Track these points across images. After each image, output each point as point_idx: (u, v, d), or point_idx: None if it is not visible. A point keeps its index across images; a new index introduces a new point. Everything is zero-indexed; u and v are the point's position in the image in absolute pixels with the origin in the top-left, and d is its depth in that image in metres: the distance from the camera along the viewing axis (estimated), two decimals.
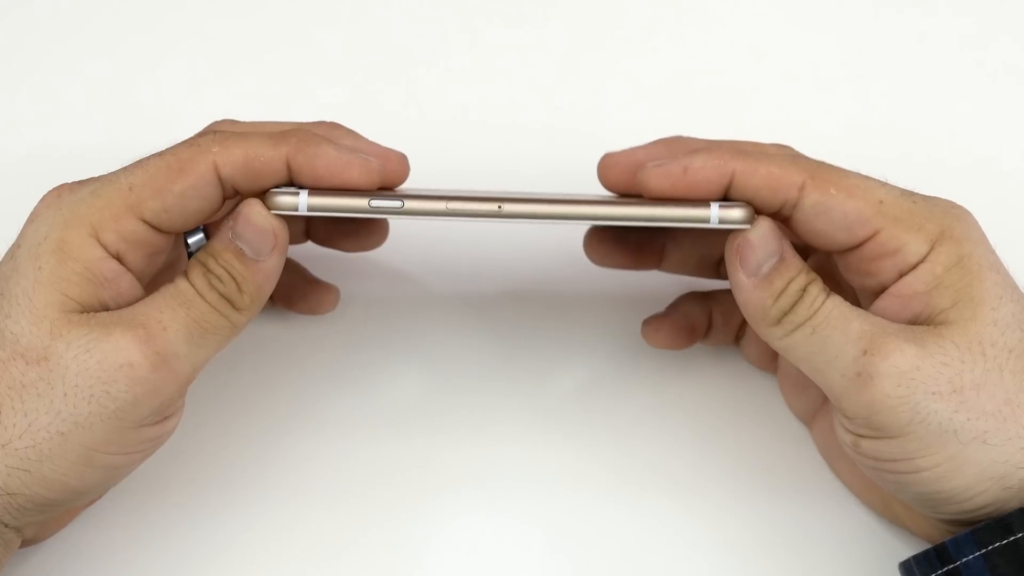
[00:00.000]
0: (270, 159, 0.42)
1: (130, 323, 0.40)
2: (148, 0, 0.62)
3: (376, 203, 0.42)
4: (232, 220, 0.41)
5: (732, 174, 0.42)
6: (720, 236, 0.43)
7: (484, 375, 0.51)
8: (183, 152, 0.42)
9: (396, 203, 0.42)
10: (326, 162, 0.42)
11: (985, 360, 0.41)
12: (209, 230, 0.46)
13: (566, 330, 0.53)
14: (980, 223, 0.43)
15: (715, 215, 0.41)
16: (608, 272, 0.51)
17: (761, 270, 0.41)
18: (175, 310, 0.41)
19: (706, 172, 0.42)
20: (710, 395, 0.51)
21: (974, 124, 0.59)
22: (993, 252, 0.43)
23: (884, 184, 0.43)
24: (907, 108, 0.60)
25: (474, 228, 0.54)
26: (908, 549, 0.46)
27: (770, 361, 0.51)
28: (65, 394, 0.40)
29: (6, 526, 0.42)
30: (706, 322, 0.50)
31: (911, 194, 0.43)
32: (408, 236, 0.54)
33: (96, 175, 0.43)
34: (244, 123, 0.45)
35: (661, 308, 0.51)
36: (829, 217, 0.42)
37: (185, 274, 0.42)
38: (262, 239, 0.41)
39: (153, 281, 0.45)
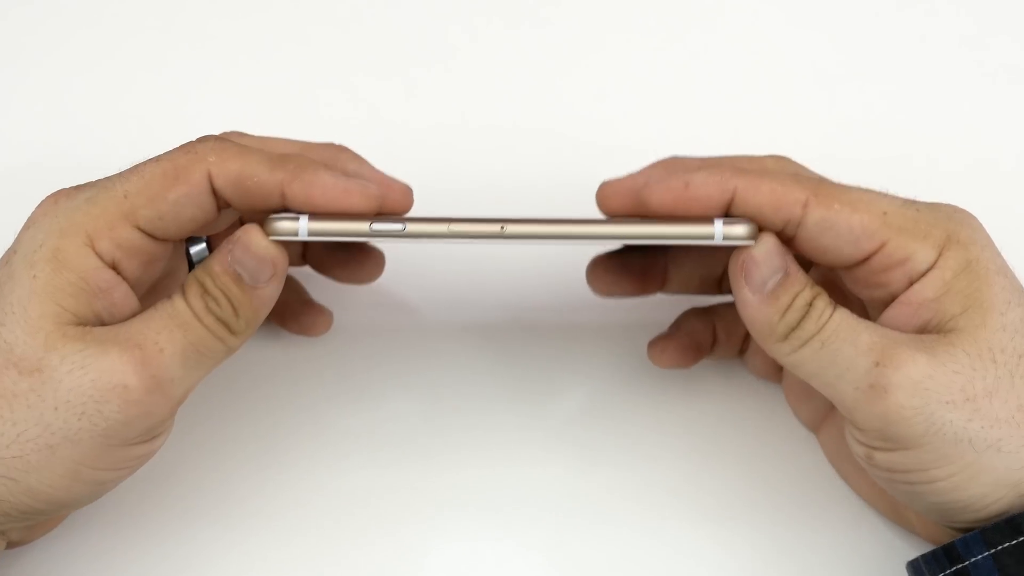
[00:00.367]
0: (264, 182, 0.41)
1: (127, 343, 0.40)
2: (147, 3, 0.62)
3: (377, 226, 0.41)
4: (231, 244, 0.41)
5: (734, 191, 0.41)
6: (722, 253, 0.43)
7: (485, 396, 0.51)
8: (179, 158, 0.42)
9: (398, 226, 0.41)
10: (322, 190, 0.41)
11: (996, 367, 0.40)
12: (213, 241, 0.46)
13: (567, 351, 0.52)
14: (983, 225, 0.43)
15: (719, 231, 0.41)
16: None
17: (766, 286, 0.41)
18: (172, 332, 0.40)
19: (708, 188, 0.41)
20: (713, 403, 0.51)
21: (974, 124, 0.59)
22: (999, 255, 0.43)
23: (885, 195, 0.42)
24: (907, 108, 0.60)
25: (474, 253, 0.54)
26: (915, 549, 0.46)
27: (775, 372, 0.51)
28: (56, 408, 0.40)
29: None
30: (711, 337, 0.50)
31: (913, 202, 0.43)
32: (406, 262, 0.53)
33: (94, 180, 0.43)
34: (252, 137, 0.45)
35: (662, 327, 0.50)
36: (836, 233, 0.42)
37: (183, 293, 0.41)
38: (260, 267, 0.41)
39: (151, 290, 0.45)
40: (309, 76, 0.60)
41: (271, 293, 0.42)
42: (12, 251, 0.42)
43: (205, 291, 0.41)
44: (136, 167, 0.42)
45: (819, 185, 0.42)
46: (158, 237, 0.42)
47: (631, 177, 0.44)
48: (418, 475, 0.49)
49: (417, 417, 0.51)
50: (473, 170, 0.58)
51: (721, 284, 0.50)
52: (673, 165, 0.45)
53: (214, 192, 0.42)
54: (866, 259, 0.42)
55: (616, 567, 0.48)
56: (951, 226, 0.42)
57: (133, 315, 0.42)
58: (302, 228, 0.41)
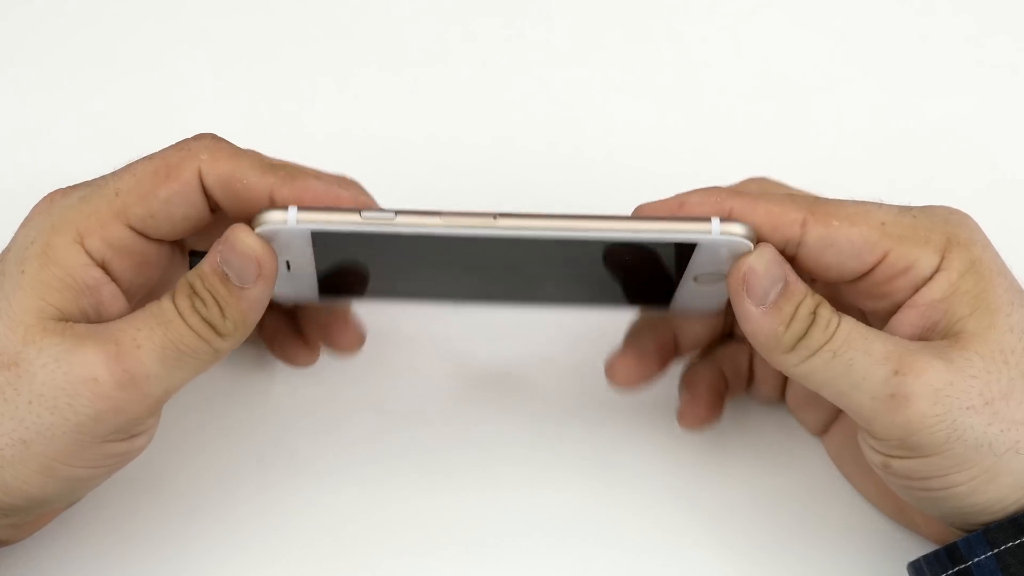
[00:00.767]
0: (253, 185, 0.41)
1: (104, 338, 0.40)
2: (146, 4, 0.62)
3: (368, 215, 0.40)
4: (219, 244, 0.40)
5: (729, 212, 0.42)
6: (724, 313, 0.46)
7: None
8: (171, 156, 0.42)
9: (388, 215, 0.40)
10: (313, 196, 0.41)
11: (1008, 368, 0.40)
12: None
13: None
14: (980, 224, 0.43)
15: (716, 227, 0.41)
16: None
17: (768, 298, 0.41)
18: (152, 329, 0.40)
19: (704, 207, 0.42)
20: None
21: (974, 124, 0.59)
22: (998, 255, 0.43)
23: (880, 205, 0.42)
24: (907, 108, 0.59)
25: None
26: (917, 550, 0.46)
27: (782, 394, 0.50)
28: (30, 402, 0.39)
29: None
30: (724, 384, 0.48)
31: (909, 209, 0.43)
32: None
33: (90, 179, 0.43)
34: (242, 149, 0.44)
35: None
36: (837, 249, 0.42)
37: (172, 294, 0.41)
38: (246, 266, 0.40)
39: (148, 296, 0.44)
40: (305, 79, 0.60)
41: (258, 295, 0.41)
42: (6, 250, 0.42)
43: (193, 292, 0.40)
44: (129, 165, 0.42)
45: (814, 203, 0.42)
46: (151, 237, 0.42)
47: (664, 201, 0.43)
48: (417, 505, 0.49)
49: (405, 448, 0.50)
50: (471, 174, 0.57)
51: (723, 329, 0.49)
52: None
53: (205, 191, 0.42)
54: (869, 271, 0.42)
55: (615, 563, 0.48)
56: (949, 229, 0.42)
57: (121, 316, 0.42)
58: (291, 218, 0.40)
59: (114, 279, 0.42)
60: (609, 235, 0.41)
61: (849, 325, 0.41)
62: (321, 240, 0.41)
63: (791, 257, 0.42)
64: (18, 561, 0.47)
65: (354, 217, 0.40)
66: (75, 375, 0.39)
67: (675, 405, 0.49)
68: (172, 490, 0.49)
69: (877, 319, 0.43)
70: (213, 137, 0.43)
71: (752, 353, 0.49)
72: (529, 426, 0.50)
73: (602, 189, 0.56)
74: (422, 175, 0.57)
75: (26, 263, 0.41)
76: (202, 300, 0.40)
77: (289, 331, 0.49)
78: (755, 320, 0.41)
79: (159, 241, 0.43)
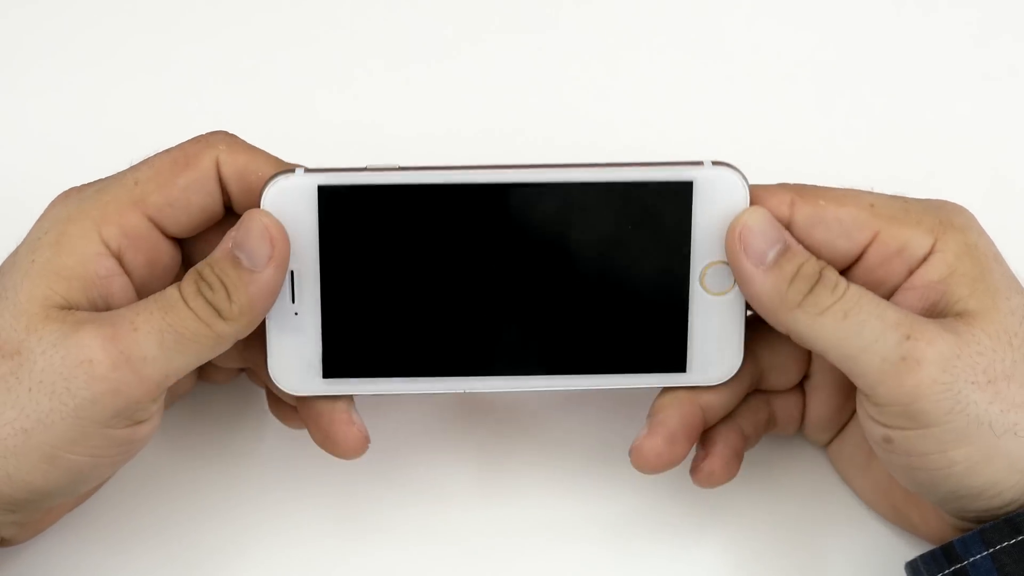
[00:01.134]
0: (267, 176, 0.42)
1: (101, 321, 0.40)
2: (150, 4, 0.62)
3: (373, 165, 0.42)
4: (234, 229, 0.41)
5: None
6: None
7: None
8: (189, 147, 0.43)
9: (392, 167, 0.42)
10: None
11: (1012, 350, 0.41)
12: None
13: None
14: (974, 216, 0.44)
15: (708, 164, 0.42)
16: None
17: (767, 258, 0.41)
18: (152, 312, 0.40)
19: None
20: None
21: (974, 124, 0.59)
22: (993, 244, 0.43)
23: (871, 192, 0.43)
24: (907, 108, 0.59)
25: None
26: (914, 550, 0.46)
27: (825, 433, 0.48)
28: (30, 389, 0.40)
29: None
30: (743, 441, 0.46)
31: (901, 197, 0.43)
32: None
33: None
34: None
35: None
36: (825, 226, 0.42)
37: (179, 282, 0.41)
38: (260, 245, 0.40)
39: None
40: (309, 77, 0.60)
41: (268, 279, 0.41)
42: (21, 242, 0.42)
43: (200, 278, 0.40)
44: (147, 159, 0.43)
45: (802, 186, 0.43)
46: (167, 229, 0.42)
47: None
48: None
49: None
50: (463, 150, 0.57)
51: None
52: None
53: (221, 181, 0.42)
54: (862, 255, 0.42)
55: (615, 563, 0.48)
56: (943, 214, 0.43)
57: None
58: (299, 171, 0.42)
59: (127, 272, 0.42)
60: (607, 177, 0.43)
61: (860, 290, 0.41)
62: (329, 228, 0.42)
63: None
64: (19, 562, 0.47)
65: (360, 172, 0.42)
66: (71, 358, 0.39)
67: None
68: (173, 492, 0.49)
69: None
70: (228, 133, 0.43)
71: (805, 400, 0.48)
72: (528, 429, 0.51)
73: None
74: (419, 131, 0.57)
75: (38, 252, 0.41)
76: (208, 284, 0.40)
77: (297, 418, 0.46)
78: (757, 281, 0.41)
79: (173, 241, 0.43)
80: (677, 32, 0.62)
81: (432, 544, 0.48)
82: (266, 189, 0.42)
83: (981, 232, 0.43)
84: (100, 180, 0.43)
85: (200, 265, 0.41)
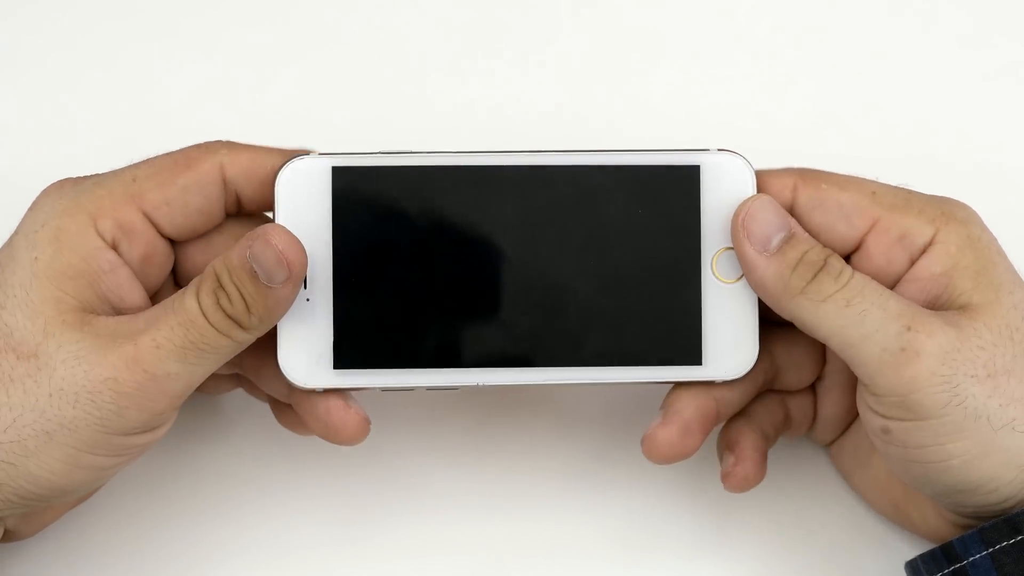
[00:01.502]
0: (276, 168, 0.43)
1: (122, 337, 0.40)
2: (153, 7, 0.62)
3: (387, 150, 0.43)
4: (251, 239, 0.40)
5: None
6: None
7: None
8: (191, 151, 0.43)
9: (406, 151, 0.43)
10: None
11: (1013, 345, 0.41)
12: None
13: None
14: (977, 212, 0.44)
15: (714, 148, 0.43)
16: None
17: (772, 244, 0.41)
18: (173, 329, 0.40)
19: None
20: None
21: (974, 124, 0.59)
22: (996, 240, 0.43)
23: (875, 181, 0.43)
24: (907, 108, 0.59)
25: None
26: (914, 550, 0.46)
27: (831, 433, 0.48)
28: (51, 395, 0.40)
29: None
30: (767, 443, 0.46)
31: (903, 188, 0.43)
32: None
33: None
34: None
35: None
36: (825, 209, 0.43)
37: (197, 288, 0.41)
38: (276, 267, 0.40)
39: (158, 295, 0.44)
40: (315, 86, 0.60)
41: (286, 295, 0.41)
42: (14, 233, 0.42)
43: (220, 286, 0.40)
44: (148, 159, 0.43)
45: (805, 170, 0.43)
46: (163, 228, 0.42)
47: None
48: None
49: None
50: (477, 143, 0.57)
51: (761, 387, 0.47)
52: None
53: (224, 184, 0.42)
54: (862, 242, 0.43)
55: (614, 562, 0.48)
56: (945, 206, 0.43)
57: (140, 299, 0.42)
58: (313, 154, 0.42)
59: (125, 263, 0.42)
60: (616, 161, 0.43)
61: (864, 279, 0.41)
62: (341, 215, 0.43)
63: None
64: (19, 562, 0.47)
65: (374, 155, 0.43)
66: (95, 375, 0.40)
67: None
68: (173, 490, 0.49)
69: None
70: (228, 140, 0.43)
71: (816, 400, 0.47)
72: (525, 432, 0.51)
73: None
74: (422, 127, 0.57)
75: (38, 248, 0.41)
76: (228, 295, 0.40)
77: (296, 418, 0.45)
78: (761, 267, 0.42)
79: (168, 241, 0.43)
80: (677, 28, 0.62)
81: (433, 548, 0.48)
82: (281, 172, 0.42)
83: (983, 226, 0.43)
84: (97, 174, 0.43)
85: (219, 268, 0.40)
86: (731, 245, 0.43)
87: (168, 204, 0.42)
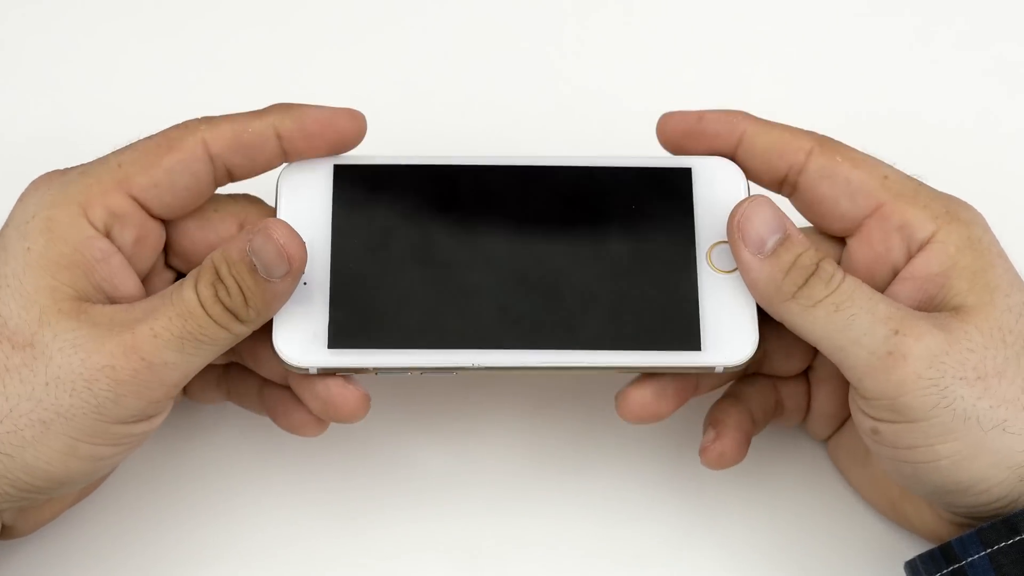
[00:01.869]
0: (258, 130, 0.43)
1: (119, 326, 0.40)
2: (153, 7, 0.62)
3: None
4: (251, 233, 0.41)
5: (743, 133, 0.44)
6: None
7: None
8: (172, 132, 0.43)
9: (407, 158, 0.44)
10: (314, 118, 0.43)
11: (1005, 347, 0.41)
12: None
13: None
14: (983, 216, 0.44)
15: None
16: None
17: (766, 246, 0.41)
18: (171, 319, 0.40)
19: (719, 124, 0.44)
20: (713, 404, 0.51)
21: (975, 124, 0.59)
22: (998, 242, 0.43)
23: (890, 165, 0.44)
24: (907, 107, 0.59)
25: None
26: (913, 550, 0.46)
27: (827, 427, 0.48)
28: (47, 383, 0.40)
29: None
30: (752, 424, 0.46)
31: (916, 179, 0.44)
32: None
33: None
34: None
35: None
36: (833, 182, 0.43)
37: (195, 279, 0.41)
38: (276, 262, 0.40)
39: (150, 276, 0.44)
40: (301, 70, 0.60)
41: (284, 289, 0.41)
42: (4, 225, 0.42)
43: (218, 278, 0.40)
44: (131, 144, 0.43)
45: (826, 139, 0.44)
46: (152, 210, 0.43)
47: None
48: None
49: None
50: (472, 125, 0.58)
51: (747, 369, 0.47)
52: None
53: (211, 160, 0.43)
54: (862, 224, 0.43)
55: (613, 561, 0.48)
56: (951, 205, 0.43)
57: (134, 287, 0.42)
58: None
59: (118, 249, 0.42)
60: (609, 163, 0.45)
61: (854, 283, 0.41)
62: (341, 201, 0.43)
63: (792, 188, 0.44)
64: (18, 562, 0.47)
65: (376, 158, 0.44)
66: (92, 363, 0.40)
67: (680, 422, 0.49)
68: (173, 490, 0.49)
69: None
70: (205, 116, 0.44)
71: (810, 390, 0.48)
72: (524, 429, 0.51)
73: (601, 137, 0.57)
74: (423, 127, 0.57)
75: (30, 239, 0.41)
76: (226, 288, 0.40)
77: (292, 403, 0.45)
78: (755, 268, 0.41)
79: (159, 221, 0.43)
80: (676, 26, 0.62)
81: (430, 542, 0.48)
82: (284, 170, 0.44)
83: (986, 228, 0.43)
84: (82, 164, 0.43)
85: (218, 261, 0.41)
86: (725, 239, 0.43)
87: (156, 186, 0.42)
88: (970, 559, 0.41)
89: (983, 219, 0.43)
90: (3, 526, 0.43)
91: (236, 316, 0.41)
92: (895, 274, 0.43)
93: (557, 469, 0.50)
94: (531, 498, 0.49)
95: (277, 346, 0.42)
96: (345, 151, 0.45)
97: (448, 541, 0.48)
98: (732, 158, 0.45)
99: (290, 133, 0.43)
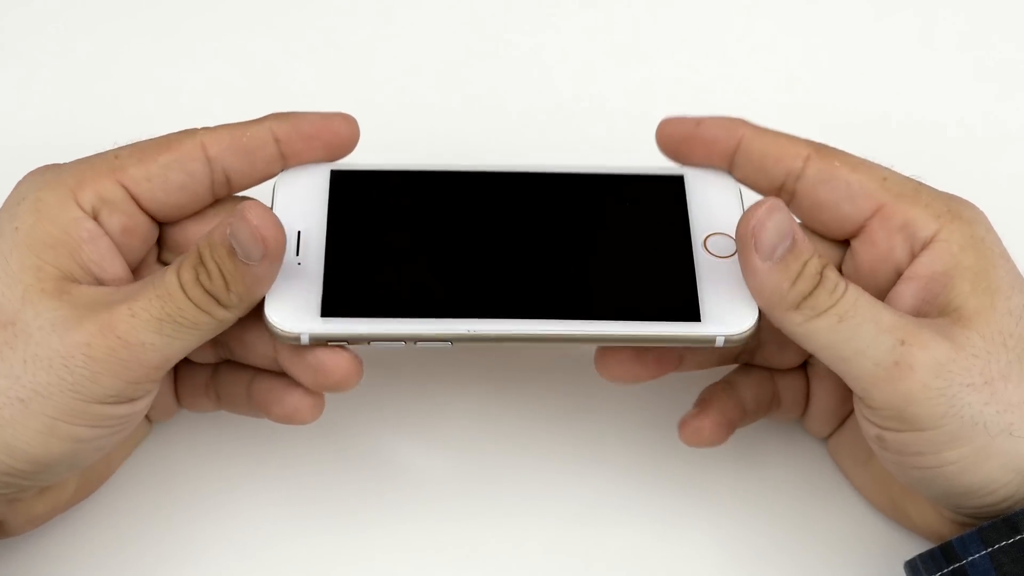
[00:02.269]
0: (256, 133, 0.44)
1: (99, 305, 0.40)
2: (154, 7, 0.62)
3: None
4: (231, 215, 0.40)
5: (741, 138, 0.44)
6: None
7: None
8: (172, 134, 0.44)
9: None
10: (310, 121, 0.44)
11: (1007, 351, 0.41)
12: None
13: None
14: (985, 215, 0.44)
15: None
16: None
17: (776, 253, 0.40)
18: (151, 300, 0.40)
19: (717, 129, 0.44)
20: None
21: (975, 124, 0.59)
22: (1000, 241, 0.43)
23: (888, 168, 0.44)
24: (907, 107, 0.60)
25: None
26: (913, 549, 0.46)
27: (827, 425, 0.49)
28: (25, 361, 0.40)
29: None
30: (741, 412, 0.47)
31: (915, 180, 0.44)
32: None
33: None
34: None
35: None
36: (832, 186, 0.43)
37: (178, 265, 0.41)
38: (252, 243, 0.40)
39: (140, 271, 0.44)
40: (301, 70, 0.60)
41: (263, 273, 0.41)
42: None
43: (200, 262, 0.40)
44: (132, 143, 0.44)
45: (822, 145, 0.44)
46: (143, 203, 0.43)
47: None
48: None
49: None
50: (465, 147, 0.58)
51: (738, 357, 0.48)
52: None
53: (209, 162, 0.43)
54: (864, 226, 0.43)
55: (612, 560, 0.48)
56: (953, 204, 0.43)
57: (122, 271, 0.43)
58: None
59: (106, 233, 0.42)
60: (602, 170, 0.45)
61: (857, 292, 0.41)
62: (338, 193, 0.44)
63: (791, 195, 0.44)
64: (18, 562, 0.47)
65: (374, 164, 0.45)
66: (69, 340, 0.40)
67: (671, 392, 0.49)
68: (173, 489, 0.49)
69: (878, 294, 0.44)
70: (208, 125, 0.44)
71: (809, 385, 0.48)
72: (522, 421, 0.51)
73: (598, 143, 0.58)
74: (420, 132, 0.58)
75: (18, 219, 0.41)
76: (207, 272, 0.40)
77: (283, 389, 0.44)
78: (761, 275, 0.40)
79: (151, 220, 0.44)
80: (676, 27, 0.62)
81: (431, 543, 0.48)
82: (281, 172, 0.44)
83: (989, 227, 0.43)
84: (81, 157, 0.44)
85: (201, 244, 0.41)
86: (718, 231, 0.44)
87: (149, 180, 0.43)
88: (971, 558, 0.41)
89: (985, 217, 0.43)
90: None
91: (218, 300, 0.40)
92: (899, 274, 0.43)
93: (557, 468, 0.50)
94: (531, 497, 0.49)
95: (268, 316, 0.42)
96: (341, 156, 0.45)
97: (448, 541, 0.48)
98: (729, 164, 0.45)
99: (287, 135, 0.44)
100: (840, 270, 0.45)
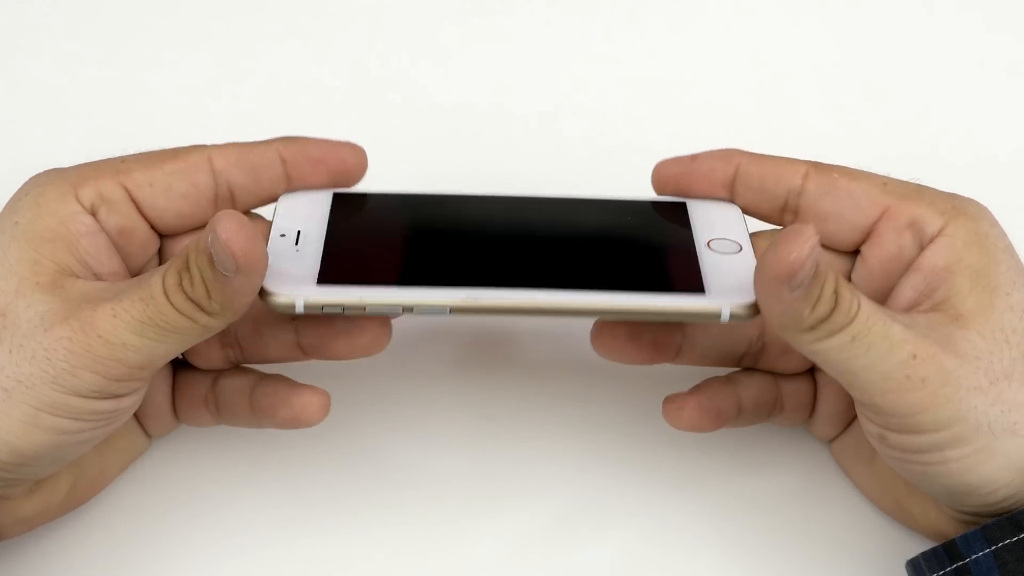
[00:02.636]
0: (264, 151, 0.44)
1: (85, 301, 0.40)
2: (154, 7, 0.62)
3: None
4: (210, 222, 0.40)
5: (738, 165, 0.45)
6: (739, 329, 0.45)
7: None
8: (181, 147, 0.44)
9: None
10: (318, 146, 0.45)
11: (1010, 348, 0.41)
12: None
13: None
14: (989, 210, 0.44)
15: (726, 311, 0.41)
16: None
17: (797, 279, 0.38)
18: (133, 303, 0.40)
19: (713, 161, 0.45)
20: None
21: (975, 124, 0.59)
22: (1005, 236, 0.43)
23: (885, 175, 0.44)
24: (907, 106, 0.60)
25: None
26: (915, 548, 0.46)
27: (833, 428, 0.49)
28: (11, 351, 0.40)
29: None
30: (735, 408, 0.47)
31: (915, 182, 0.44)
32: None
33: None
34: None
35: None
36: (835, 197, 0.43)
37: (165, 269, 0.40)
38: (224, 259, 0.39)
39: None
40: (306, 72, 0.60)
41: (241, 286, 0.40)
42: (3, 208, 0.43)
43: (186, 267, 0.40)
44: (140, 152, 0.44)
45: (819, 162, 0.44)
46: (144, 208, 0.43)
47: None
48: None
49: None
50: (469, 160, 0.58)
51: (741, 360, 0.47)
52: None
53: (214, 175, 0.44)
54: (872, 230, 0.43)
55: (613, 560, 0.48)
56: (957, 201, 0.43)
57: (118, 266, 0.43)
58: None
59: (103, 229, 0.43)
60: (604, 197, 0.45)
61: (869, 308, 0.40)
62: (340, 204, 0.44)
63: (793, 210, 0.44)
64: (18, 561, 0.47)
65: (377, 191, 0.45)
66: (53, 333, 0.40)
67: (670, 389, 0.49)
68: (173, 490, 0.49)
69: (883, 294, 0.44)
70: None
71: (817, 390, 0.48)
72: (522, 421, 0.51)
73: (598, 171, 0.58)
74: (423, 165, 0.57)
75: (19, 214, 0.42)
76: (191, 278, 0.40)
77: (289, 389, 0.45)
78: (785, 303, 0.39)
79: (151, 228, 0.44)
80: (676, 28, 0.62)
81: (431, 542, 0.48)
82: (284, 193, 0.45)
83: (993, 222, 0.43)
84: (87, 161, 0.44)
85: (189, 250, 0.40)
86: (721, 236, 0.44)
87: (151, 185, 0.43)
88: (974, 556, 0.41)
89: (990, 213, 0.43)
90: None
91: (200, 307, 0.40)
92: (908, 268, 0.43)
93: (557, 468, 0.50)
94: (531, 497, 0.49)
95: (266, 286, 0.41)
96: (347, 184, 0.45)
97: (448, 541, 0.48)
98: (730, 193, 0.45)
99: (294, 157, 0.44)
100: (849, 278, 0.45)
